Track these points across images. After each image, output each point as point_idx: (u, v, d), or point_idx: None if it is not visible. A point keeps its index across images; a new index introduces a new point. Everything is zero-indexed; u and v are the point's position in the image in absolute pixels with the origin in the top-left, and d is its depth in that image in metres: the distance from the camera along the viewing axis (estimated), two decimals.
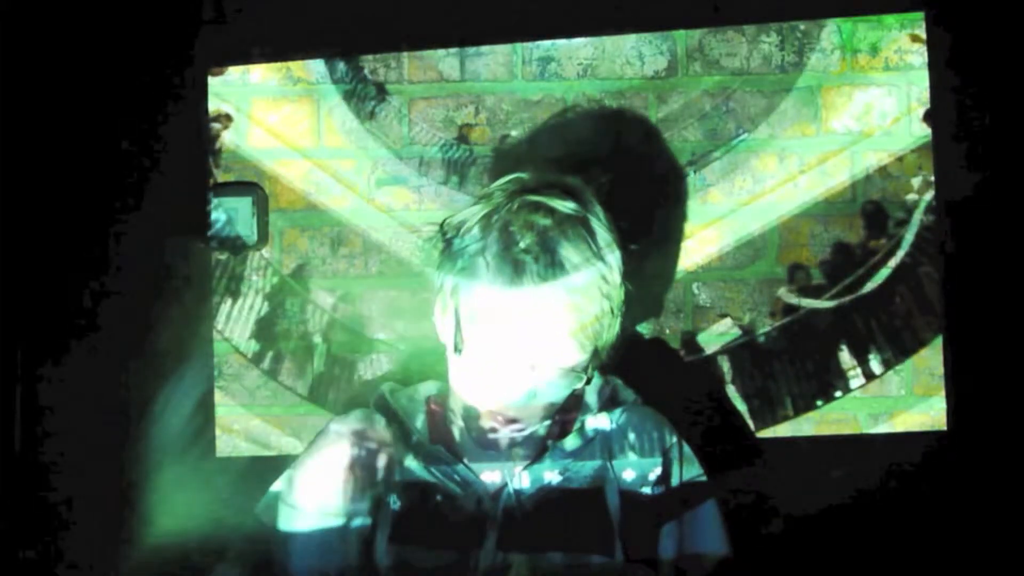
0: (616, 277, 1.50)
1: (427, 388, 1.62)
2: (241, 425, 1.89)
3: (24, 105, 1.77)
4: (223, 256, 1.88)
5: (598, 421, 1.56)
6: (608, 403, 1.58)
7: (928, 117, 1.86)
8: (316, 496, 1.46)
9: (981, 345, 1.81)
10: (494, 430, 1.52)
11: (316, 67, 1.90)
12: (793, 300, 1.86)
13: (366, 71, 1.90)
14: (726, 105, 1.89)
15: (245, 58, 1.87)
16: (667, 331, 1.89)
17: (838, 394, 1.87)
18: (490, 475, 1.52)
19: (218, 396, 1.88)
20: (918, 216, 1.86)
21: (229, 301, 1.90)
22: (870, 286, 1.86)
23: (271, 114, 1.89)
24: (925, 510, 1.76)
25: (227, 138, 1.89)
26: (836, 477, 1.79)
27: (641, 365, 1.72)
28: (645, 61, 1.89)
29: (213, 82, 1.89)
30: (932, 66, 1.85)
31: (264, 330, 1.90)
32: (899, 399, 1.87)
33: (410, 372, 1.85)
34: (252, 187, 1.88)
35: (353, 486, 1.47)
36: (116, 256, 1.80)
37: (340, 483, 1.46)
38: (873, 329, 1.86)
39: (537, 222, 1.45)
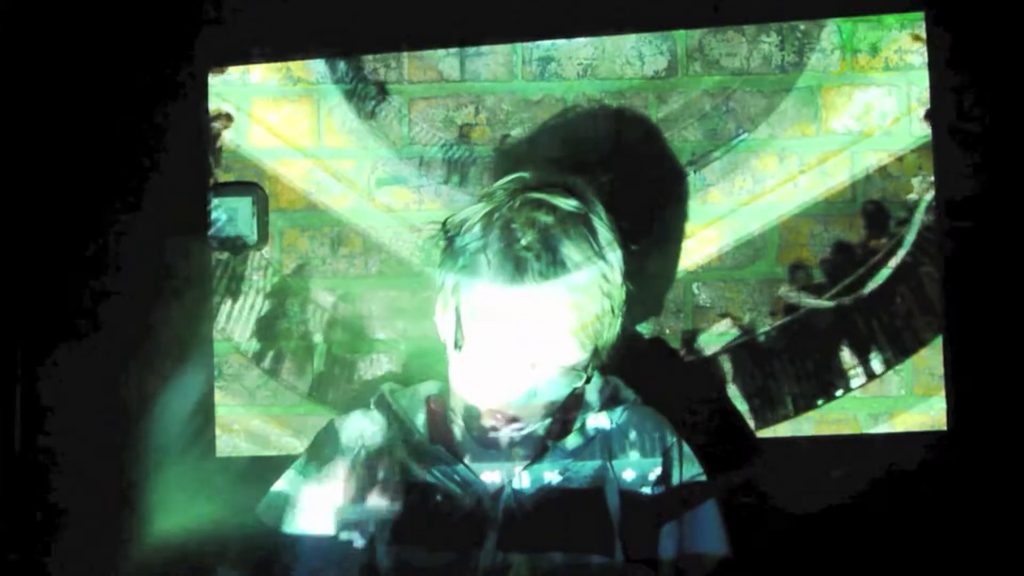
0: (617, 276, 1.50)
1: (427, 388, 1.62)
2: (241, 425, 1.89)
3: (24, 105, 1.77)
4: (223, 256, 1.88)
5: (599, 420, 1.56)
6: (609, 402, 1.58)
7: (928, 117, 1.86)
8: (320, 496, 1.47)
9: (981, 345, 1.81)
10: (495, 429, 1.52)
11: (316, 67, 1.90)
12: (794, 299, 1.86)
13: (366, 70, 1.90)
14: (726, 105, 1.89)
15: (245, 58, 1.87)
16: (667, 331, 1.89)
17: (839, 393, 1.87)
18: (490, 475, 1.52)
19: (218, 396, 1.88)
20: (918, 216, 1.86)
21: (230, 300, 1.89)
22: (871, 286, 1.86)
23: (271, 114, 1.89)
24: (925, 510, 1.76)
25: (227, 137, 1.89)
26: (836, 477, 1.79)
27: (641, 365, 1.72)
28: (645, 61, 1.89)
29: (213, 81, 1.89)
30: (932, 66, 1.85)
31: (265, 329, 1.90)
32: (899, 399, 1.87)
33: (410, 372, 1.85)
34: (252, 187, 1.88)
35: (354, 486, 1.47)
36: (116, 256, 1.80)
37: (341, 483, 1.46)
38: (874, 329, 1.86)
39: (539, 219, 1.45)
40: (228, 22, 1.82)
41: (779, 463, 1.83)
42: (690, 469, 1.58)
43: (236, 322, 1.89)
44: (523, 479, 1.52)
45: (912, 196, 1.87)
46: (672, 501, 1.55)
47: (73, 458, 1.75)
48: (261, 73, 1.90)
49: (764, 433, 1.87)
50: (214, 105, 1.89)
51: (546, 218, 1.46)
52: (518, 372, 1.47)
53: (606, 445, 1.56)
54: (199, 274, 1.87)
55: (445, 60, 1.90)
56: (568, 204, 1.47)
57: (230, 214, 1.86)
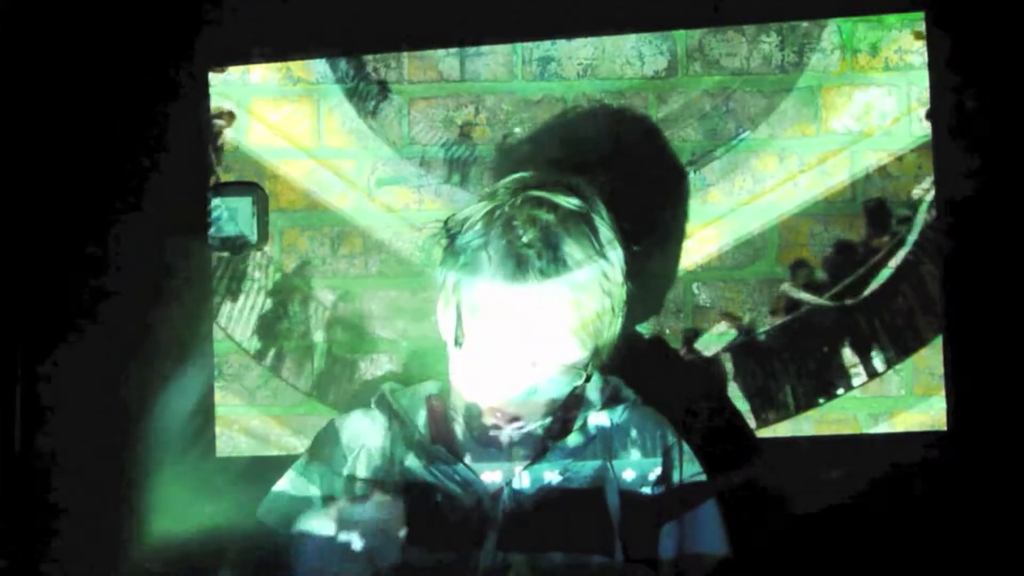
0: (618, 275, 1.50)
1: (428, 387, 1.62)
2: (241, 425, 1.89)
3: (24, 105, 1.77)
4: (224, 255, 1.88)
5: (599, 418, 1.56)
6: (610, 401, 1.58)
7: (928, 117, 1.86)
8: (320, 496, 1.47)
9: (981, 345, 1.81)
10: (495, 427, 1.52)
11: (316, 67, 1.90)
12: (795, 295, 1.86)
13: (367, 69, 1.90)
14: (726, 105, 1.89)
15: (245, 58, 1.87)
16: (667, 331, 1.89)
17: (839, 392, 1.87)
18: (490, 475, 1.52)
19: (218, 396, 1.88)
20: (919, 216, 1.86)
21: (231, 299, 1.89)
22: (872, 286, 1.86)
23: (271, 114, 1.89)
24: (925, 510, 1.76)
25: (228, 136, 1.89)
26: (836, 477, 1.79)
27: (641, 365, 1.72)
28: (645, 61, 1.89)
29: (214, 81, 1.89)
30: (932, 66, 1.85)
31: (266, 328, 1.90)
32: (899, 399, 1.87)
33: (411, 372, 1.85)
34: (252, 187, 1.88)
35: (355, 486, 1.47)
36: (116, 256, 1.80)
37: (342, 483, 1.46)
38: (876, 328, 1.86)
39: (540, 217, 1.46)
40: (228, 22, 1.82)
41: (779, 463, 1.83)
42: (690, 469, 1.58)
43: (237, 321, 1.89)
44: (523, 479, 1.52)
45: (912, 196, 1.87)
46: (672, 501, 1.55)
47: (73, 458, 1.75)
48: (261, 73, 1.90)
49: (764, 433, 1.87)
50: (215, 104, 1.89)
51: (547, 216, 1.46)
52: (518, 370, 1.47)
53: (606, 444, 1.56)
54: (199, 274, 1.87)
55: (445, 60, 1.90)
56: (569, 202, 1.47)
57: (230, 214, 1.86)
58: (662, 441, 1.57)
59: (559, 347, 1.47)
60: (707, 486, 1.58)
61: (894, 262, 1.86)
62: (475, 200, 1.55)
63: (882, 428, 1.86)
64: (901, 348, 1.86)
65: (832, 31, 1.88)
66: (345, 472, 1.55)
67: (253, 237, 1.86)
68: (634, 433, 1.57)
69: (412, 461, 1.54)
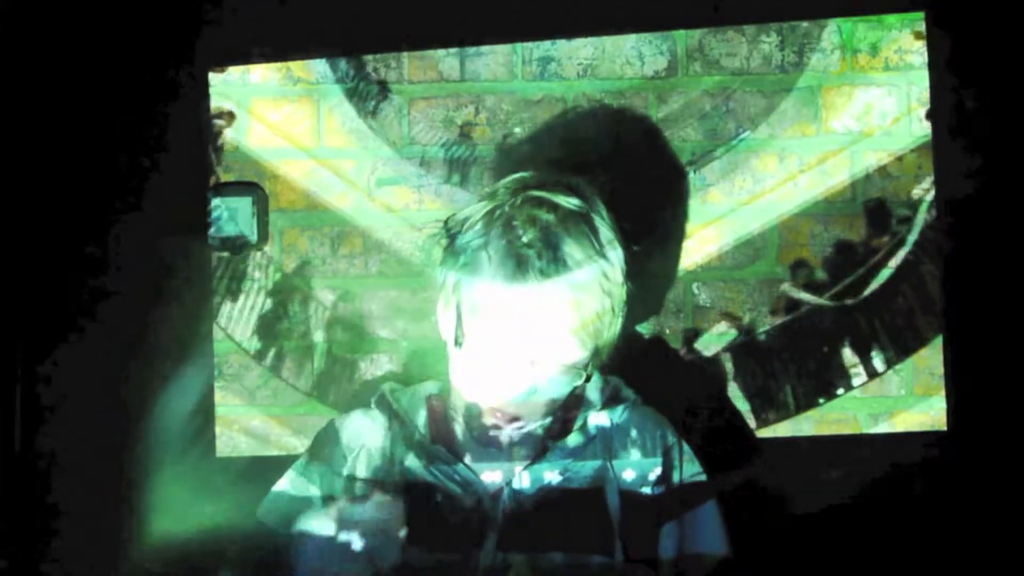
0: (618, 275, 1.50)
1: (428, 388, 1.62)
2: (241, 425, 1.89)
3: (24, 105, 1.77)
4: (224, 254, 1.88)
5: (599, 418, 1.56)
6: (610, 401, 1.58)
7: (928, 117, 1.86)
8: (320, 496, 1.47)
9: (981, 345, 1.81)
10: (495, 427, 1.52)
11: (316, 67, 1.90)
12: (795, 295, 1.86)
13: (367, 69, 1.90)
14: (726, 105, 1.89)
15: (245, 58, 1.87)
16: (667, 331, 1.89)
17: (839, 392, 1.87)
18: (490, 475, 1.52)
19: (218, 396, 1.88)
20: (919, 216, 1.86)
21: (230, 299, 1.89)
22: (873, 285, 1.86)
23: (271, 114, 1.89)
24: (925, 510, 1.76)
25: (229, 136, 1.89)
26: (836, 477, 1.79)
27: (641, 365, 1.72)
28: (645, 61, 1.89)
29: (214, 81, 1.89)
30: (932, 66, 1.85)
31: (265, 328, 1.90)
32: (899, 399, 1.87)
33: (411, 372, 1.85)
34: (252, 187, 1.88)
35: (355, 486, 1.47)
36: (116, 256, 1.80)
37: (342, 483, 1.46)
38: (876, 328, 1.86)
39: (540, 217, 1.46)
40: (228, 22, 1.82)
41: (779, 463, 1.83)
42: (690, 469, 1.58)
43: (238, 320, 1.89)
44: (523, 479, 1.52)
45: (912, 196, 1.87)
46: (672, 501, 1.55)
47: (73, 458, 1.75)
48: (261, 73, 1.90)
49: (764, 433, 1.87)
50: (215, 104, 1.89)
51: (547, 216, 1.46)
52: (518, 370, 1.47)
53: (607, 444, 1.56)
54: (199, 274, 1.87)
55: (445, 60, 1.90)
56: (569, 202, 1.47)
57: (230, 214, 1.86)
58: (662, 441, 1.57)
59: (559, 347, 1.47)
60: (707, 486, 1.58)
61: (894, 262, 1.87)
62: (475, 200, 1.55)
63: (882, 428, 1.86)
64: (901, 348, 1.86)
65: (832, 31, 1.88)
66: (345, 472, 1.55)
67: (253, 237, 1.86)
68: (634, 433, 1.57)
69: (412, 461, 1.54)
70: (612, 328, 1.52)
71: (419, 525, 1.51)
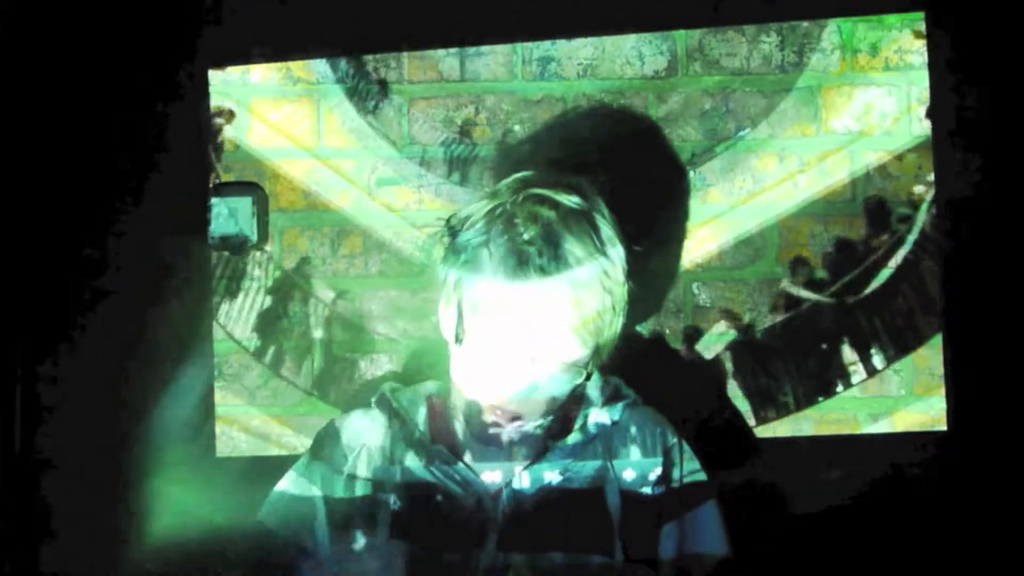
0: (619, 273, 1.50)
1: (428, 387, 1.62)
2: (241, 425, 1.89)
3: (25, 104, 1.77)
4: (224, 253, 1.88)
5: (600, 416, 1.56)
6: (610, 400, 1.58)
7: (928, 116, 1.86)
8: (321, 496, 1.47)
9: (981, 344, 1.81)
10: (496, 425, 1.52)
11: (316, 67, 1.90)
12: (796, 292, 1.86)
13: (367, 69, 1.90)
14: (726, 105, 1.89)
15: (245, 58, 1.87)
16: (667, 331, 1.89)
17: (839, 390, 1.87)
18: (490, 475, 1.52)
19: (218, 396, 1.88)
20: (919, 215, 1.86)
21: (230, 297, 1.89)
22: (873, 284, 1.86)
23: (271, 113, 1.89)
24: (925, 510, 1.76)
25: (229, 135, 1.89)
26: (836, 477, 1.79)
27: (641, 365, 1.72)
28: (645, 61, 1.89)
29: (214, 80, 1.89)
30: (932, 66, 1.85)
31: (266, 326, 1.90)
32: (899, 399, 1.87)
33: (411, 371, 1.85)
34: (252, 187, 1.88)
35: (355, 486, 1.48)
36: (116, 256, 1.80)
37: (343, 483, 1.46)
38: (876, 327, 1.86)
39: (541, 214, 1.46)
40: (228, 22, 1.82)
41: (779, 463, 1.83)
42: (691, 469, 1.58)
43: (238, 319, 1.89)
44: (523, 479, 1.52)
45: (912, 195, 1.87)
46: (672, 501, 1.55)
47: (73, 458, 1.75)
48: (261, 73, 1.90)
49: (764, 432, 1.87)
50: (215, 103, 1.89)
51: (548, 213, 1.46)
52: (519, 367, 1.47)
53: (607, 443, 1.56)
54: (199, 273, 1.87)
55: (445, 60, 1.90)
56: (570, 200, 1.47)
57: (230, 213, 1.86)
58: (662, 441, 1.57)
59: (559, 344, 1.47)
60: (707, 486, 1.58)
61: (894, 261, 1.87)
62: (476, 199, 1.56)
63: (882, 428, 1.86)
64: (901, 347, 1.87)
65: (832, 31, 1.88)
66: (346, 471, 1.55)
67: (253, 237, 1.86)
68: (634, 433, 1.57)
69: (412, 460, 1.54)
70: (613, 326, 1.52)
71: (419, 525, 1.51)
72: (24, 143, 1.77)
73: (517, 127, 1.89)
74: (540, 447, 1.53)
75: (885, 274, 1.86)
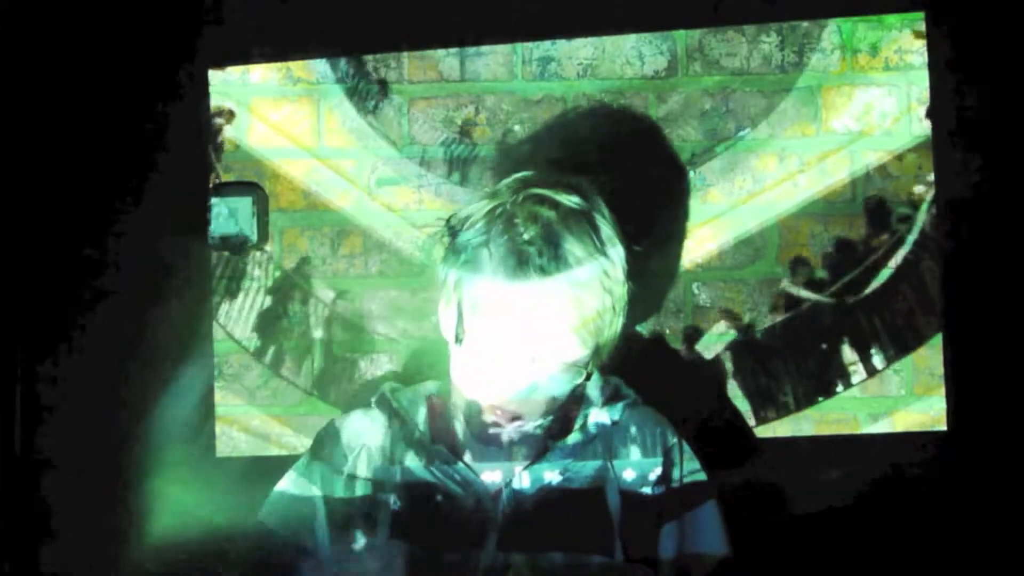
0: (619, 273, 1.50)
1: (428, 387, 1.62)
2: (241, 425, 1.89)
3: (25, 104, 1.77)
4: (224, 253, 1.88)
5: (600, 416, 1.56)
6: (610, 400, 1.58)
7: (928, 116, 1.86)
8: (321, 497, 1.48)
9: (981, 344, 1.81)
10: (496, 425, 1.52)
11: (317, 67, 1.90)
12: (796, 292, 1.86)
13: (367, 69, 1.90)
14: (726, 105, 1.89)
15: (245, 58, 1.87)
16: (667, 331, 1.89)
17: (839, 390, 1.87)
18: (490, 475, 1.52)
19: (218, 396, 1.88)
20: (919, 215, 1.86)
21: (230, 297, 1.89)
22: (873, 284, 1.86)
23: (272, 113, 1.89)
24: (925, 510, 1.76)
25: (229, 135, 1.89)
26: (836, 477, 1.79)
27: (641, 365, 1.72)
28: (645, 61, 1.89)
29: (214, 80, 1.89)
30: (932, 66, 1.85)
31: (266, 325, 1.90)
32: (899, 399, 1.87)
33: (411, 371, 1.85)
34: (252, 187, 1.88)
35: (355, 486, 1.48)
36: (116, 256, 1.80)
37: (343, 483, 1.46)
38: (875, 327, 1.86)
39: (541, 214, 1.46)
40: (228, 22, 1.82)
41: (779, 463, 1.83)
42: (691, 469, 1.58)
43: (237, 319, 1.89)
44: (523, 479, 1.52)
45: (912, 195, 1.87)
46: (672, 501, 1.55)
47: (73, 458, 1.75)
48: (261, 73, 1.90)
49: (764, 432, 1.87)
50: (215, 103, 1.89)
51: (548, 213, 1.46)
52: (519, 367, 1.47)
53: (607, 443, 1.56)
54: (199, 273, 1.87)
55: (445, 60, 1.90)
56: (571, 200, 1.47)
57: (230, 213, 1.86)
58: (662, 441, 1.57)
59: (559, 344, 1.47)
60: (707, 486, 1.58)
61: (894, 261, 1.87)
62: (476, 199, 1.56)
63: (882, 428, 1.86)
64: (901, 347, 1.87)
65: (832, 31, 1.88)
66: (346, 471, 1.55)
67: (253, 237, 1.86)
68: (634, 433, 1.57)
69: (412, 460, 1.54)
70: (613, 326, 1.52)
71: (419, 525, 1.51)
72: (24, 143, 1.77)
73: (517, 127, 1.89)
74: (540, 447, 1.53)
75: (885, 274, 1.87)
